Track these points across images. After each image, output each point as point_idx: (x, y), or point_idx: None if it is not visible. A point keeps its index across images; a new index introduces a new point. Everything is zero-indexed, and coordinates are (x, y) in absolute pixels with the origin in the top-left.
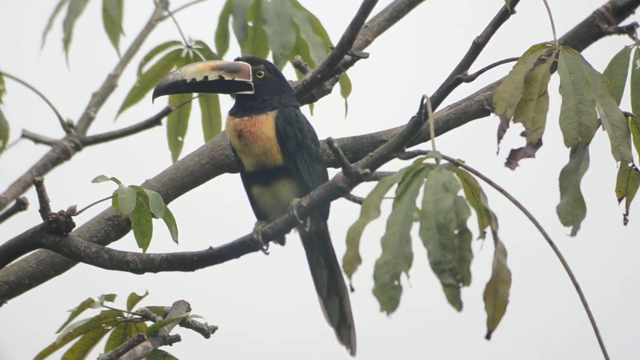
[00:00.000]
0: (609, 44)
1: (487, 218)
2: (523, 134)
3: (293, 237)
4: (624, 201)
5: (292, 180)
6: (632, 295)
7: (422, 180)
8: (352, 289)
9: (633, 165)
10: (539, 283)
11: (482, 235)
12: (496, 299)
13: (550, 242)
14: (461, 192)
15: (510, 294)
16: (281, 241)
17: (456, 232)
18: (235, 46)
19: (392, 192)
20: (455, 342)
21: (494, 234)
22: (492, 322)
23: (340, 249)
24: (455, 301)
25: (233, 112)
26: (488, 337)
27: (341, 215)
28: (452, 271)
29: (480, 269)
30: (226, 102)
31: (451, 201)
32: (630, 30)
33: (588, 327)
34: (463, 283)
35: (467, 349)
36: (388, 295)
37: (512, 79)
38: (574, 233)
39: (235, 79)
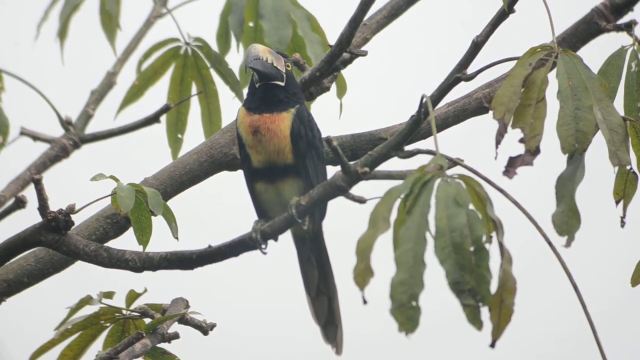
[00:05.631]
0: (607, 41)
1: (494, 227)
2: (521, 141)
3: (287, 236)
4: (621, 204)
5: (298, 179)
6: (631, 298)
7: (430, 192)
8: (365, 302)
9: (631, 168)
10: (537, 284)
11: (489, 239)
12: (502, 309)
13: (550, 243)
14: (472, 205)
15: (515, 303)
16: (275, 238)
17: (472, 249)
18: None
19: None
20: (454, 343)
21: (500, 244)
22: (497, 332)
23: (331, 249)
24: (476, 321)
25: (252, 108)
26: (493, 345)
27: (334, 215)
28: (472, 292)
29: None
30: (226, 99)
31: (465, 218)
32: (628, 27)
33: (586, 329)
34: (483, 303)
35: (466, 350)
36: (406, 316)
37: (511, 82)
38: (568, 244)
39: (277, 67)
